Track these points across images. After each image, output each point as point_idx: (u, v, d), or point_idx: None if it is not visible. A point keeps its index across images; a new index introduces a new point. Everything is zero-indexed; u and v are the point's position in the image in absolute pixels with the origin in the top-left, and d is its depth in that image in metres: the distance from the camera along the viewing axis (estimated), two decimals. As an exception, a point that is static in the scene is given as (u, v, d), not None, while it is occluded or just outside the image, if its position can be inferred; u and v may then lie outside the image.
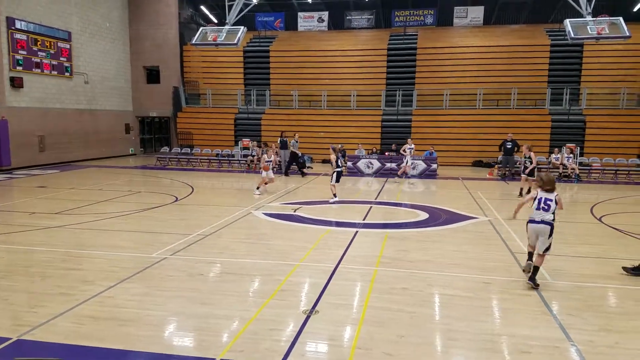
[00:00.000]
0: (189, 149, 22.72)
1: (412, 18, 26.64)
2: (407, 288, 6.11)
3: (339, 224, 9.85)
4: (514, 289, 6.16)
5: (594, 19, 14.93)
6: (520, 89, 22.91)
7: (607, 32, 14.68)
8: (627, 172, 18.60)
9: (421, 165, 18.92)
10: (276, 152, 19.97)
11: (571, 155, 18.30)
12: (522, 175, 13.62)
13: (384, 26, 27.41)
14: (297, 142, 18.50)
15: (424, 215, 10.83)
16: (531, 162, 13.32)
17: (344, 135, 22.63)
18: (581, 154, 20.16)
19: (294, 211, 11.09)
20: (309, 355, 4.40)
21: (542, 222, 6.22)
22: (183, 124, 25.74)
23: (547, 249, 6.20)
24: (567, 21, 15.13)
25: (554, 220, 6.22)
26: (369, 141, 22.25)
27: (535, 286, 6.08)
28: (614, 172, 18.55)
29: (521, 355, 4.44)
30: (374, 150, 21.07)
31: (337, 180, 12.36)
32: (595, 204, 12.20)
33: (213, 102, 26.03)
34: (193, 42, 19.49)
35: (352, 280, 6.39)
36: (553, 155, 18.56)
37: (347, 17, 27.79)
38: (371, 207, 11.89)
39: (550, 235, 6.18)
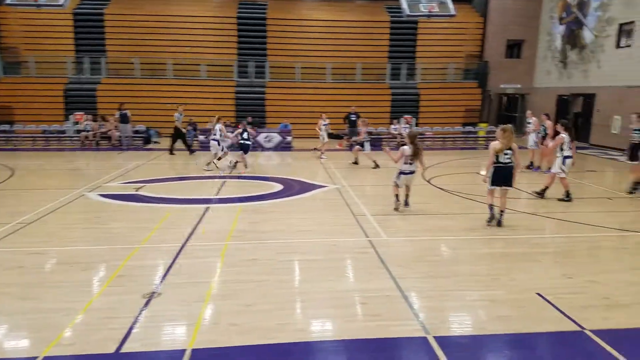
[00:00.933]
0: (8, 126, 19.51)
1: (261, -13, 26.21)
2: (257, 259, 6.11)
3: (187, 201, 9.42)
4: (355, 248, 6.59)
5: (427, -3, 16.38)
6: (364, 64, 24.33)
7: (437, 10, 16.23)
8: (453, 139, 21.23)
9: (277, 138, 19.08)
10: (115, 127, 18.35)
11: (407, 125, 20.15)
12: (356, 147, 14.64)
13: (232, -7, 26.56)
14: (181, 115, 16.61)
15: (278, 187, 10.96)
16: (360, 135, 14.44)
17: (195, 107, 21.57)
18: (417, 124, 22.33)
19: (136, 190, 10.29)
20: (148, 339, 4.12)
21: (411, 172, 8.34)
22: (1, 97, 21.93)
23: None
24: (402, -2, 16.33)
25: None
26: (223, 113, 21.53)
27: (408, 206, 8.61)
28: (443, 139, 21.00)
29: (358, 307, 4.78)
30: (229, 123, 20.56)
31: (245, 153, 12.84)
32: (426, 169, 13.61)
33: (38, 72, 22.59)
34: (9, 1, 16.55)
35: (200, 258, 6.15)
36: (392, 126, 20.24)
37: (192, -18, 26.18)
38: (225, 181, 11.64)
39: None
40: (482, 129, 22.18)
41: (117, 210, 8.71)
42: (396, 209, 8.55)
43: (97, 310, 4.63)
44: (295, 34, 24.37)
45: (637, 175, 10.23)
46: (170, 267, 5.78)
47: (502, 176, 7.50)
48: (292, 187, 10.92)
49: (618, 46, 19.01)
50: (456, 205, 9.37)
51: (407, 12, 16.18)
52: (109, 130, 18.45)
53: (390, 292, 5.10)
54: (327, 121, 17.21)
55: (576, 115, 21.96)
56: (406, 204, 8.66)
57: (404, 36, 25.03)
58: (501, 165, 7.47)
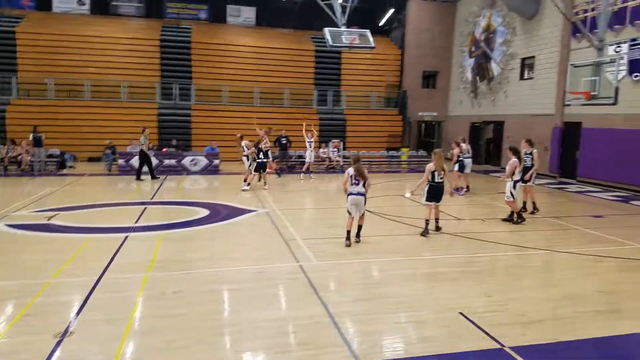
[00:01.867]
0: None
1: (185, 11, 26.13)
2: (179, 290, 5.85)
3: (104, 230, 8.88)
4: (284, 274, 6.54)
5: (348, 29, 17.01)
6: (292, 89, 24.69)
7: (358, 42, 16.89)
8: (378, 163, 21.99)
9: (203, 161, 18.67)
10: (27, 150, 17.04)
11: (335, 149, 20.62)
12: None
13: (155, 16, 26.02)
14: (146, 138, 15.66)
15: (204, 213, 10.63)
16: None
17: (114, 130, 20.61)
18: (344, 148, 22.88)
19: (48, 219, 9.54)
20: (58, 385, 3.78)
21: (358, 193, 7.95)
22: None
23: (363, 213, 8.10)
24: (326, 30, 16.82)
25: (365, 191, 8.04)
26: (145, 137, 20.81)
27: (359, 240, 8.12)
28: (369, 162, 21.65)
29: (285, 336, 4.70)
30: (151, 146, 19.79)
31: (257, 171, 13.98)
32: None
33: (-64, 93, 20.54)
34: None
35: (118, 292, 5.77)
36: (321, 150, 20.58)
37: (113, 3, 25.41)
38: (146, 207, 11.11)
39: (365, 202, 8.05)
40: (404, 153, 23.20)
41: (27, 242, 8.02)
42: (347, 246, 7.96)
43: (1, 354, 4.18)
44: (222, 57, 24.30)
45: (532, 195, 11.14)
46: (84, 302, 5.37)
47: (436, 193, 8.82)
48: (219, 212, 10.66)
49: (522, 78, 20.92)
50: (382, 227, 9.60)
51: (330, 42, 16.69)
52: (20, 154, 17.06)
53: (320, 318, 5.08)
54: (312, 140, 17.36)
55: (488, 141, 23.68)
56: (357, 236, 8.19)
57: (328, 65, 25.88)
58: (435, 184, 8.77)
